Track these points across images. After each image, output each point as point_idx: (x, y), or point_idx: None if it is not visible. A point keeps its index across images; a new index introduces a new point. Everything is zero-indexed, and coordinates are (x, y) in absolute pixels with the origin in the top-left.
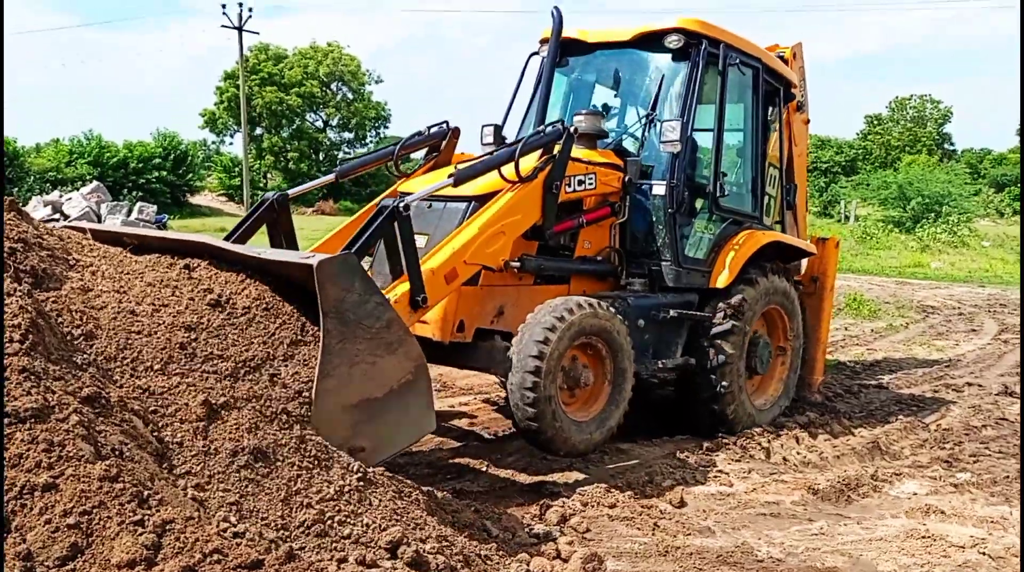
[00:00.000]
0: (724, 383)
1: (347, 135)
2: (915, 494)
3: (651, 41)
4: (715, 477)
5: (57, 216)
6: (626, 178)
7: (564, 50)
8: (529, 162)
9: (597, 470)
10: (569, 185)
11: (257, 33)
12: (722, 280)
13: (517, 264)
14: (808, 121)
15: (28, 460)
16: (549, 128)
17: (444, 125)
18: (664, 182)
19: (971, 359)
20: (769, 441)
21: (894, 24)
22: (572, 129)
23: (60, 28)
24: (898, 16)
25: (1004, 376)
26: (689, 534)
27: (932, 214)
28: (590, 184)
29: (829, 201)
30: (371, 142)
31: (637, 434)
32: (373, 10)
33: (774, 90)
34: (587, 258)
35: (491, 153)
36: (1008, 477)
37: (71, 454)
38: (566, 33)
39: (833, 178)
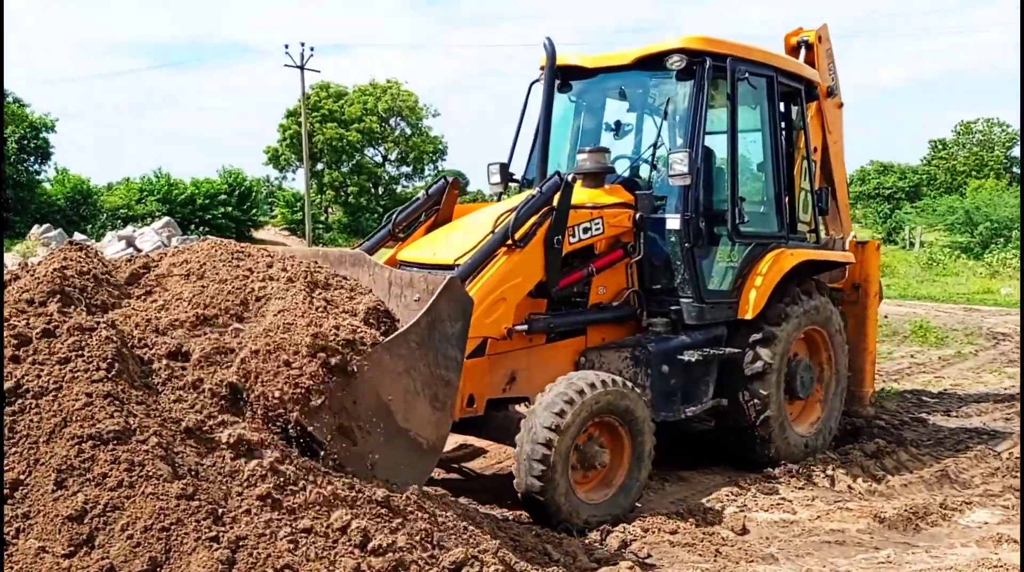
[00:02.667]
0: (762, 424)
1: (405, 169)
2: (986, 523)
3: (653, 63)
4: (777, 504)
5: (131, 250)
6: (637, 215)
7: (568, 76)
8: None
9: (657, 496)
10: (573, 235)
11: (318, 71)
12: (750, 312)
13: (524, 327)
14: (841, 105)
15: (111, 479)
16: (545, 186)
17: (442, 180)
18: (678, 215)
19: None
20: (834, 469)
21: (957, 47)
22: (571, 177)
23: (131, 71)
24: (962, 38)
25: None
26: (752, 561)
27: (1001, 239)
28: (597, 230)
29: (893, 227)
30: (429, 175)
31: (697, 462)
32: (430, 46)
33: (794, 92)
34: (603, 305)
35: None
36: None
37: (150, 473)
38: (569, 60)
39: (897, 204)
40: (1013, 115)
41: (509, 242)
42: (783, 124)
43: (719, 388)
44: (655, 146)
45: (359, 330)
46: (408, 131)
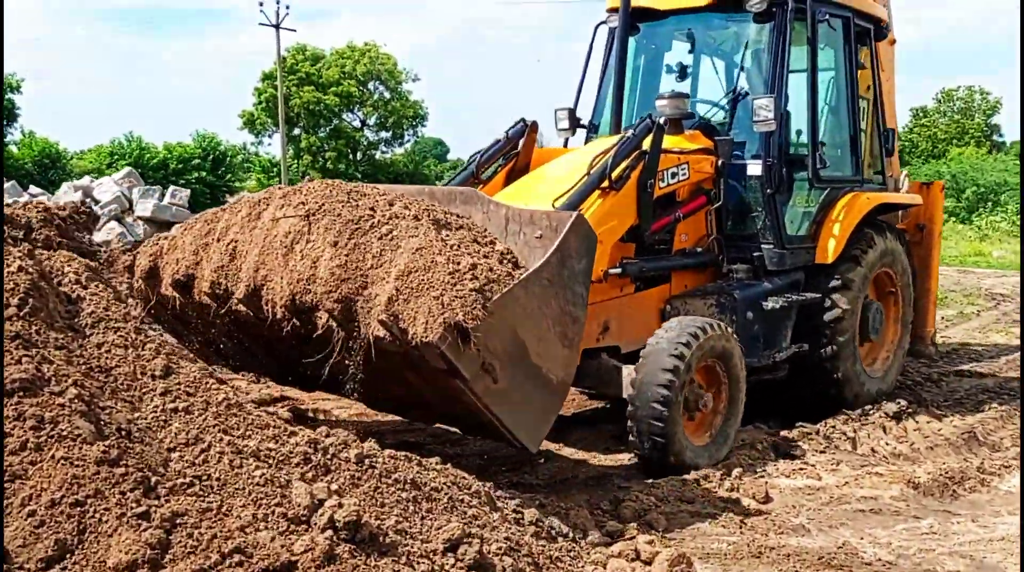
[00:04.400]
0: (842, 368)
1: (384, 134)
2: None
3: (730, 4)
4: (800, 469)
5: (88, 200)
6: (719, 162)
7: (636, 18)
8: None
9: None
10: (663, 180)
11: (294, 31)
12: (829, 256)
13: (618, 270)
14: (894, 42)
15: (12, 440)
16: (637, 129)
17: (521, 123)
18: (760, 161)
19: None
20: (855, 430)
21: (938, 15)
22: (663, 120)
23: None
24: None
25: None
26: (782, 533)
27: (988, 203)
28: (683, 175)
29: None
30: (409, 141)
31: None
32: (410, 10)
33: (865, 31)
34: (686, 251)
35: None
36: None
37: (64, 433)
38: (640, 1)
39: None
40: (993, 82)
41: (605, 184)
42: (855, 74)
43: (797, 333)
44: (736, 91)
45: (494, 268)
46: (387, 95)
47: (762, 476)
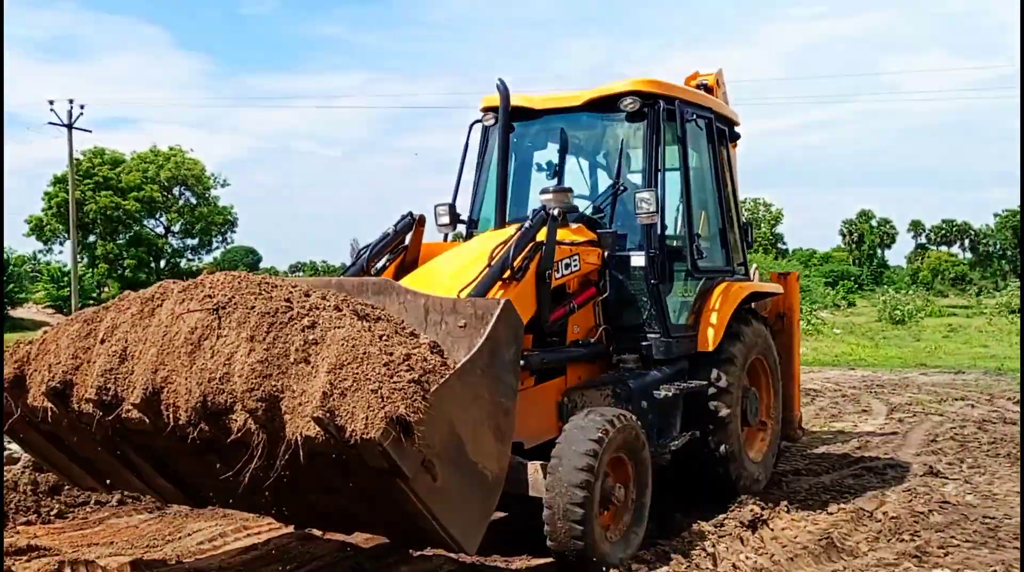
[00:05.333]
0: (726, 444)
1: (191, 241)
2: None
3: (604, 105)
4: None
5: None
6: (605, 253)
7: (511, 117)
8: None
9: None
10: (558, 271)
11: (89, 131)
12: (710, 344)
13: (520, 363)
14: (735, 146)
15: None
16: (532, 219)
17: (408, 217)
18: (642, 253)
19: (878, 440)
20: (713, 544)
21: None
22: (556, 212)
23: None
24: None
25: (920, 455)
26: None
27: None
28: (575, 266)
29: None
30: (218, 248)
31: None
32: (219, 119)
33: (722, 132)
34: (580, 342)
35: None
36: (989, 567)
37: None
38: (514, 101)
39: None
40: (775, 195)
41: (506, 275)
42: (718, 170)
43: (685, 421)
44: (616, 186)
45: (428, 358)
46: (194, 201)
47: None
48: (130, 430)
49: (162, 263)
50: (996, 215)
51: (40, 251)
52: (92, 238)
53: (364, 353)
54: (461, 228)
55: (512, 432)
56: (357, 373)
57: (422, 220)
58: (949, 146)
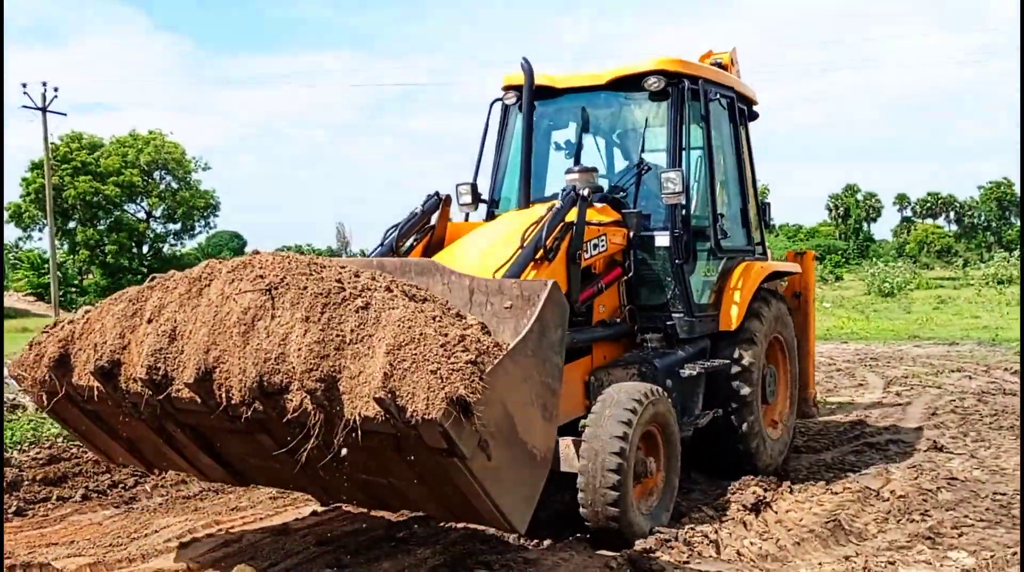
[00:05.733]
0: (747, 422)
1: (173, 226)
2: None
3: (627, 84)
4: None
5: None
6: (631, 234)
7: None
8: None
9: None
10: (587, 251)
11: (64, 115)
12: (733, 323)
13: None
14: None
15: None
16: (562, 198)
17: (435, 197)
18: (667, 233)
19: (877, 415)
20: (716, 530)
21: None
22: (585, 193)
23: None
24: None
25: (922, 429)
26: None
27: None
28: (603, 247)
29: None
30: (201, 233)
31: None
32: (200, 103)
33: (742, 111)
34: (606, 322)
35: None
36: (1015, 554)
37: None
38: (536, 80)
39: None
40: (761, 170)
41: (539, 255)
42: (739, 149)
43: (707, 399)
44: (640, 166)
45: (481, 340)
46: (175, 185)
47: None
48: (178, 409)
49: (144, 248)
50: (980, 187)
51: (20, 238)
52: (72, 224)
53: (420, 334)
54: (482, 208)
55: (557, 411)
56: (415, 354)
57: (448, 200)
58: (933, 118)
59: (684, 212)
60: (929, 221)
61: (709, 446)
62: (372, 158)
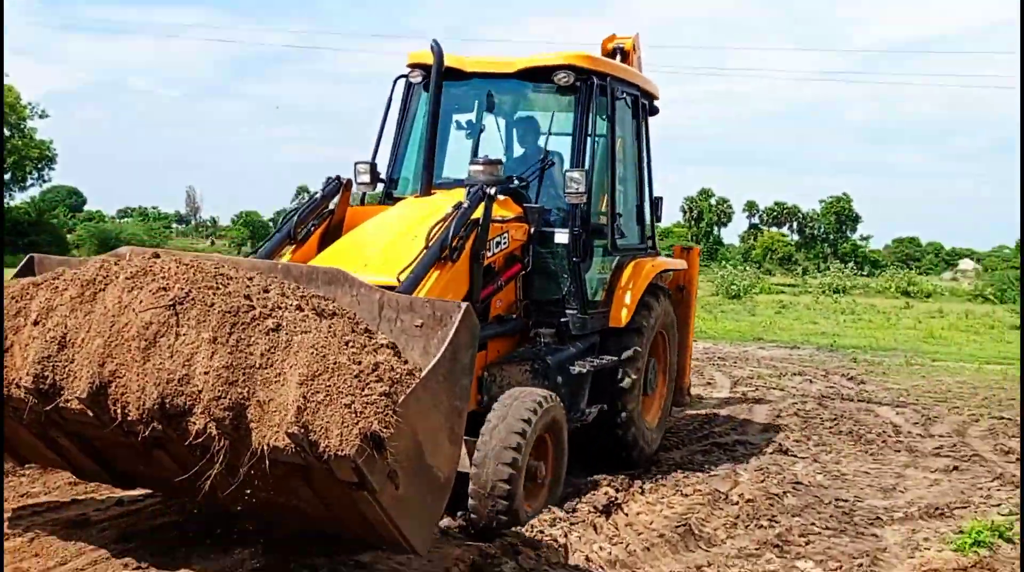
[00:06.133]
0: (628, 412)
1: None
2: None
3: (537, 75)
4: None
5: None
6: (531, 230)
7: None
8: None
9: None
10: (490, 250)
11: None
12: (622, 320)
13: None
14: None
15: None
16: (468, 196)
17: (336, 181)
18: (566, 230)
19: (724, 415)
20: (565, 533)
21: None
22: (493, 191)
23: None
24: None
25: (767, 431)
26: None
27: None
28: (504, 244)
29: None
30: (34, 185)
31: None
32: (45, 47)
33: (644, 107)
34: (502, 318)
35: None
36: (861, 566)
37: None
38: (445, 62)
39: None
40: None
41: (443, 255)
42: (640, 147)
43: (593, 394)
44: (544, 159)
45: (395, 367)
46: (7, 132)
47: None
48: (66, 419)
49: None
50: (821, 201)
51: None
52: None
53: (334, 363)
54: (378, 187)
55: (462, 432)
56: (329, 386)
57: (349, 185)
58: (786, 132)
59: (584, 210)
60: (775, 229)
61: (588, 436)
62: (228, 121)
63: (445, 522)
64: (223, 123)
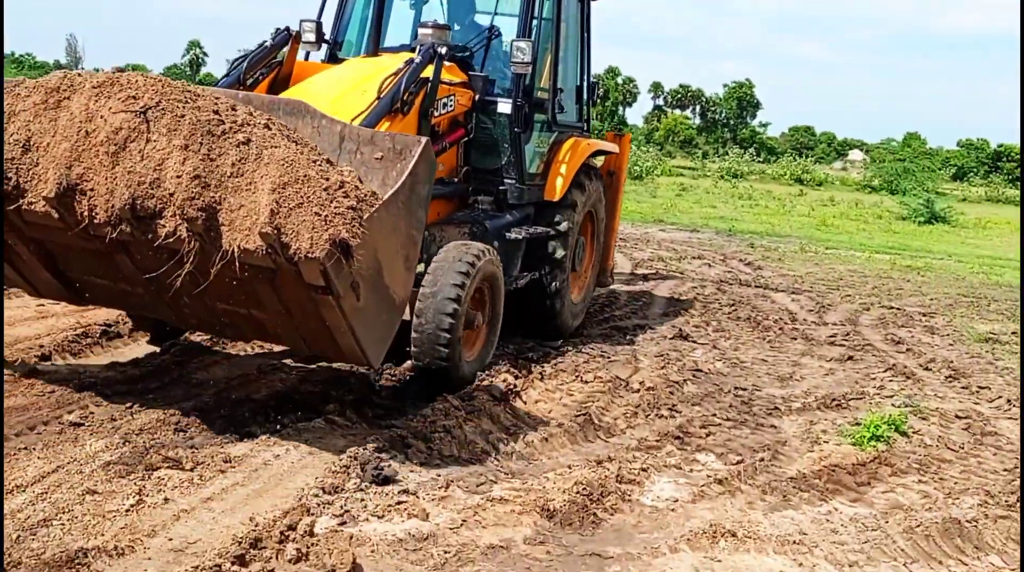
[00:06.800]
0: (557, 282)
1: None
2: (676, 500)
3: None
4: (400, 505)
5: None
6: (476, 97)
7: None
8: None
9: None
10: (437, 110)
11: None
12: (557, 194)
13: None
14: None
15: None
16: (420, 53)
17: (286, 31)
18: (509, 101)
19: (625, 297)
20: (459, 423)
21: None
22: (443, 51)
23: None
24: None
25: (667, 316)
26: None
27: None
28: (450, 106)
29: None
30: None
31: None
32: None
33: None
34: (444, 181)
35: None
36: (762, 460)
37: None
38: None
39: None
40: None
41: (394, 108)
42: (582, 25)
43: (525, 262)
44: (491, 30)
45: (359, 187)
46: None
47: (348, 523)
48: (27, 222)
49: None
50: (725, 85)
51: None
52: None
53: (304, 175)
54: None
55: (416, 262)
56: (300, 194)
57: (298, 36)
58: (692, 15)
59: (528, 82)
60: (678, 111)
61: (517, 303)
62: None
63: (332, 419)
64: None
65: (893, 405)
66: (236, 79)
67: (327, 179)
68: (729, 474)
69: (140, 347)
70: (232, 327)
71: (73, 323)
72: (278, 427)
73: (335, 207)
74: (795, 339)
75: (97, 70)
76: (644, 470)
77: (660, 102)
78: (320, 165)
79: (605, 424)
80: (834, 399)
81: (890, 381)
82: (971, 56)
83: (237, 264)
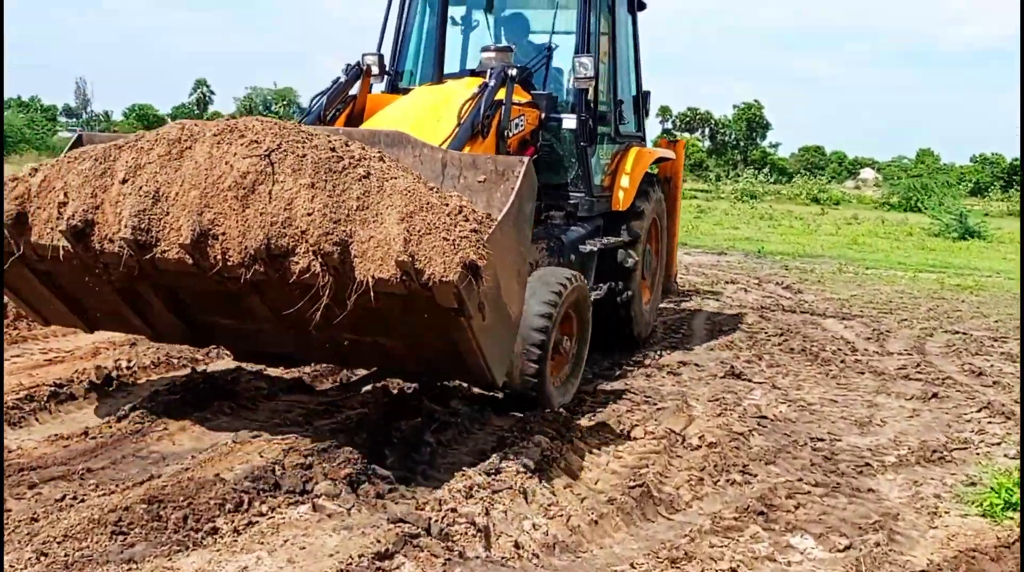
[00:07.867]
0: (631, 290)
1: None
2: None
3: None
4: None
5: None
6: (542, 115)
7: None
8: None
9: None
10: (510, 130)
11: None
12: (622, 204)
13: None
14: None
15: None
16: (493, 77)
17: (357, 67)
18: (574, 115)
19: (662, 332)
20: (485, 509)
21: None
22: (513, 72)
23: None
24: None
25: (713, 350)
26: None
27: None
28: (521, 126)
29: None
30: None
31: None
32: None
33: (635, 2)
34: None
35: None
36: (877, 545)
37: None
38: None
39: None
40: None
41: (475, 131)
42: (634, 36)
43: (598, 274)
44: (549, 48)
45: (476, 210)
46: None
47: None
48: (159, 270)
49: None
50: (734, 107)
51: None
52: None
53: (427, 203)
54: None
55: (527, 277)
56: (427, 222)
57: (369, 71)
58: (695, 37)
59: (591, 97)
60: (687, 135)
61: (594, 315)
62: (121, 9)
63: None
64: (114, 11)
65: (1006, 456)
66: (317, 116)
67: (447, 205)
68: (843, 568)
69: (98, 409)
70: (355, 354)
71: (16, 384)
72: (248, 521)
73: (460, 231)
74: (862, 373)
75: (106, 113)
76: (734, 570)
77: (668, 125)
78: (437, 192)
79: (666, 496)
80: (934, 450)
81: (989, 423)
82: (978, 69)
83: (372, 294)
